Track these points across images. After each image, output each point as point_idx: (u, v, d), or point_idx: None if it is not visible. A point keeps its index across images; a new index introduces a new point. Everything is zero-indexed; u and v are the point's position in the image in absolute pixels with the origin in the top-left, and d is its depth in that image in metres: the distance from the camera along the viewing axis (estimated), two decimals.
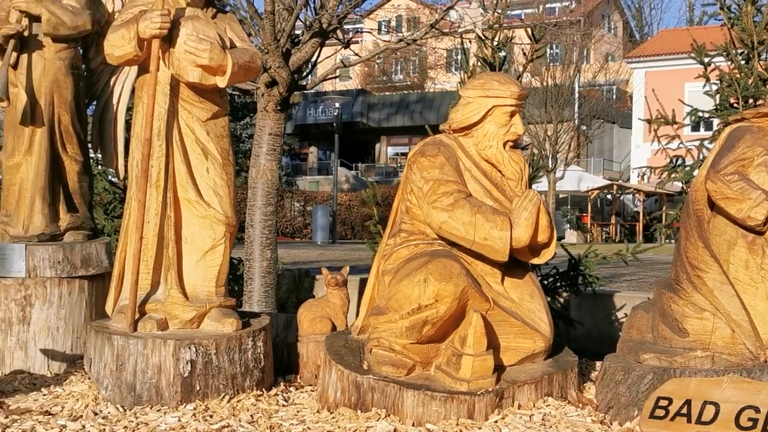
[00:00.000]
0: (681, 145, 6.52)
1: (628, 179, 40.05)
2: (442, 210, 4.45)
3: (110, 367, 4.75)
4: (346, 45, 7.64)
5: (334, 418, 4.43)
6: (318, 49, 7.30)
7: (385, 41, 8.05)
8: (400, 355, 4.43)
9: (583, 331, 6.78)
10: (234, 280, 7.80)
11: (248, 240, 7.28)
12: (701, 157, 6.19)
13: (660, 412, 4.05)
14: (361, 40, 36.67)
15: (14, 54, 5.63)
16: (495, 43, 6.37)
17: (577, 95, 36.49)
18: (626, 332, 4.89)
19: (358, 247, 22.17)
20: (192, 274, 5.02)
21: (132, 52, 4.79)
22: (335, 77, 8.06)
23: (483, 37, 6.37)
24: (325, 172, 47.43)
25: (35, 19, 5.64)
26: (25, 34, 5.66)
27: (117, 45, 4.82)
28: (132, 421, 4.40)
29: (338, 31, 7.39)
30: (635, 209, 38.26)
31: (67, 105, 5.83)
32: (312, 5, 7.28)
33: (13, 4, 5.64)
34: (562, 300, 7.07)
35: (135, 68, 5.35)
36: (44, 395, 4.93)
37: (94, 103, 6.22)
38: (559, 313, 6.65)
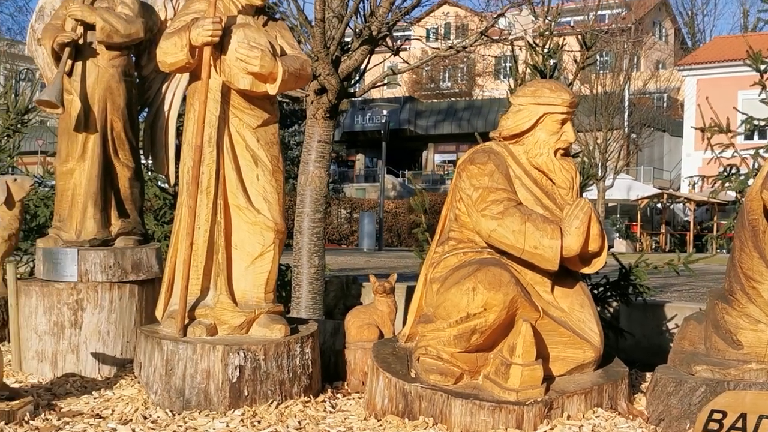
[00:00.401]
0: (735, 154, 6.42)
1: (679, 188, 39.56)
2: (492, 218, 4.42)
3: (160, 372, 4.79)
4: (396, 52, 7.64)
5: (381, 425, 4.42)
6: (367, 57, 7.32)
7: (434, 48, 8.03)
8: (448, 364, 4.40)
9: (633, 342, 6.69)
10: (282, 286, 7.83)
11: (296, 246, 7.30)
12: (756, 167, 6.09)
13: (714, 426, 3.97)
14: (409, 48, 36.71)
15: (69, 62, 5.73)
16: (545, 51, 6.33)
17: (627, 103, 36.11)
18: (678, 343, 4.81)
19: (405, 254, 22.15)
20: (241, 280, 5.04)
21: (184, 59, 4.83)
22: (384, 85, 8.05)
23: (533, 45, 6.33)
24: (371, 179, 47.47)
25: (90, 27, 5.73)
26: (80, 42, 5.75)
27: (169, 52, 4.86)
28: (181, 426, 4.43)
29: (387, 39, 7.39)
30: (686, 218, 37.75)
31: (120, 111, 5.90)
32: (362, 13, 7.30)
33: (68, 12, 5.74)
34: (612, 310, 6.99)
35: (186, 75, 5.39)
36: (95, 398, 4.99)
37: (146, 109, 6.30)
38: (609, 322, 6.57)
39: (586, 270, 4.69)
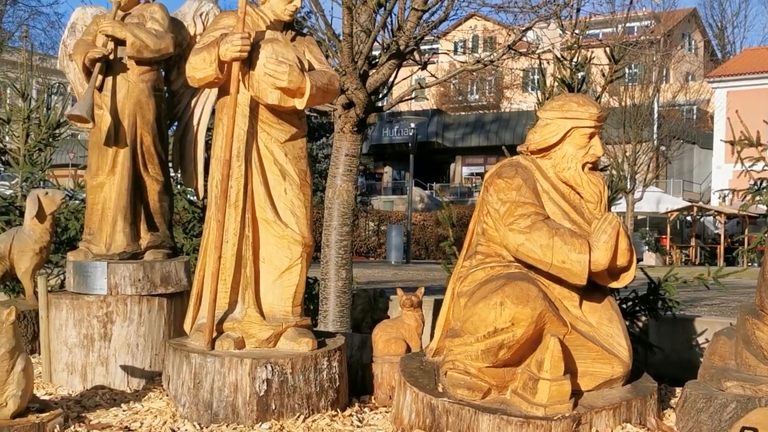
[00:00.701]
0: (766, 167, 6.36)
1: (709, 201, 39.28)
2: (519, 232, 4.41)
3: (188, 385, 4.81)
4: (423, 66, 7.65)
5: None
6: (395, 71, 7.34)
7: (462, 62, 8.04)
8: (475, 379, 4.39)
9: (662, 357, 6.64)
10: (309, 299, 7.85)
11: (324, 260, 7.32)
12: None
13: None
14: (437, 61, 36.73)
15: (100, 77, 5.79)
16: (573, 64, 6.31)
17: (656, 115, 35.92)
18: (708, 359, 4.77)
19: (433, 267, 22.11)
20: (269, 294, 5.06)
21: (213, 74, 4.87)
22: (412, 98, 8.07)
23: (561, 58, 6.32)
24: (399, 191, 47.54)
25: (120, 42, 5.78)
26: (111, 57, 5.81)
27: (198, 67, 4.90)
28: None
29: (415, 53, 7.41)
30: (716, 232, 37.43)
31: (150, 126, 5.96)
32: (389, 27, 7.32)
33: (99, 28, 5.80)
34: (640, 324, 6.93)
35: (215, 90, 5.43)
36: (124, 411, 5.02)
37: (175, 124, 6.35)
38: (638, 337, 6.52)
39: (614, 284, 4.66)
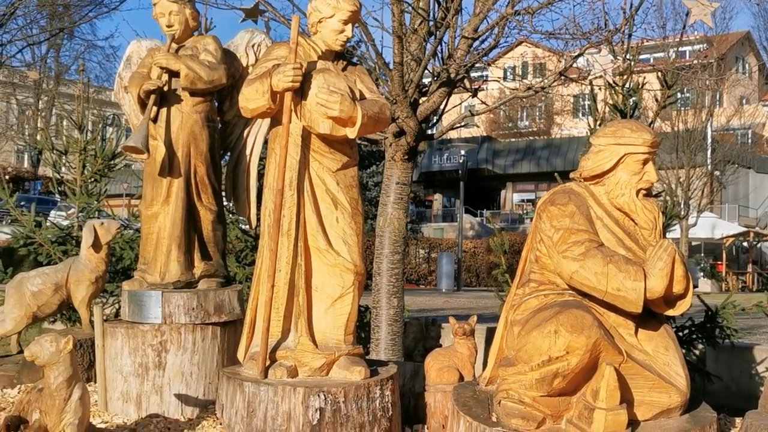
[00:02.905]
0: None
1: (766, 226, 38.56)
2: (573, 260, 4.36)
3: (241, 414, 4.82)
4: (474, 94, 7.65)
5: None
6: (445, 99, 7.34)
7: (512, 89, 8.02)
8: (530, 408, 4.33)
9: (720, 386, 6.51)
10: (361, 327, 7.84)
11: (375, 288, 7.32)
12: None
13: None
14: (486, 88, 36.70)
15: (154, 108, 5.87)
16: (625, 89, 6.27)
17: (709, 140, 35.48)
18: None
19: (484, 294, 22.00)
20: (321, 322, 5.07)
21: (265, 104, 4.91)
22: (463, 125, 8.07)
23: (613, 84, 6.28)
24: (449, 218, 47.43)
25: (174, 74, 5.87)
26: (165, 89, 5.90)
27: (251, 98, 4.95)
28: None
29: (465, 80, 7.41)
30: None
31: (203, 156, 6.02)
32: (440, 55, 7.34)
33: (154, 61, 5.90)
34: (697, 352, 6.82)
35: (267, 120, 5.48)
36: None
37: (228, 154, 6.41)
38: (695, 366, 6.41)
39: (670, 312, 4.59)
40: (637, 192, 4.60)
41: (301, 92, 4.92)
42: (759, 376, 6.70)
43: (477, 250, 34.32)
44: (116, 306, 8.50)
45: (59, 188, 9.55)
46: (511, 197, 50.60)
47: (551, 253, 4.50)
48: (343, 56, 5.33)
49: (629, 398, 4.35)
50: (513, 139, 52.84)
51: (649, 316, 4.54)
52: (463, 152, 32.38)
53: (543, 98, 49.42)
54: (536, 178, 46.24)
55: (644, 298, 4.26)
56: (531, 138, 52.41)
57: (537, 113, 55.08)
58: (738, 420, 5.14)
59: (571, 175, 4.77)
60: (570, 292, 4.54)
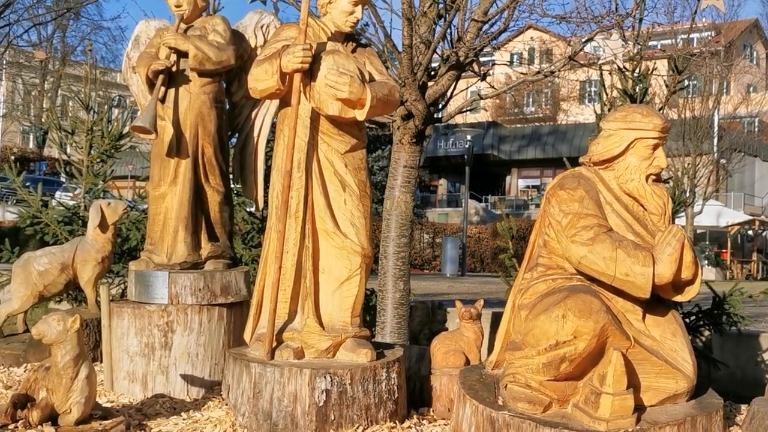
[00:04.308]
0: None
1: None
2: (582, 244, 4.35)
3: (247, 395, 4.83)
4: (483, 77, 7.62)
5: None
6: (454, 82, 7.32)
7: (521, 73, 7.99)
8: (536, 392, 4.33)
9: (727, 373, 6.50)
10: (366, 311, 7.84)
11: (382, 271, 7.31)
12: None
13: None
14: (493, 73, 36.57)
15: (162, 89, 5.86)
16: (635, 75, 6.24)
17: (716, 128, 35.37)
18: None
19: (488, 279, 22.00)
20: (328, 304, 5.07)
21: (274, 85, 4.90)
22: (470, 110, 8.04)
23: (623, 69, 6.25)
24: (454, 204, 47.41)
25: (183, 55, 5.85)
26: (173, 69, 5.88)
27: (260, 79, 4.94)
28: None
29: (474, 64, 7.38)
30: None
31: (211, 137, 6.01)
32: (449, 38, 7.31)
33: (162, 40, 5.88)
34: (704, 339, 6.81)
35: (275, 102, 5.47)
36: (184, 419, 5.06)
37: (236, 135, 6.40)
38: (702, 352, 6.40)
39: (678, 298, 4.57)
40: (647, 177, 4.59)
41: (310, 73, 4.91)
42: (765, 364, 6.69)
43: (481, 236, 34.31)
44: (122, 286, 8.51)
45: (66, 169, 9.55)
46: (517, 183, 50.55)
47: (560, 237, 4.49)
48: (353, 38, 5.31)
49: (636, 383, 4.34)
50: (519, 125, 52.72)
51: (657, 302, 4.54)
52: (468, 137, 32.31)
53: (549, 84, 49.30)
54: (542, 164, 46.19)
55: (652, 284, 4.25)
56: (537, 124, 52.31)
57: (543, 99, 54.94)
58: (744, 407, 5.14)
59: (581, 159, 4.75)
60: (578, 276, 4.53)
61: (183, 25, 6.03)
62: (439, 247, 31.24)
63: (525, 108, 55.65)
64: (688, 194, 31.59)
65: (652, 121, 4.52)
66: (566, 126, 48.04)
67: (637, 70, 6.29)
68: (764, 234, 37.88)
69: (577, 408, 4.32)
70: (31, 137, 52.58)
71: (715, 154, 35.41)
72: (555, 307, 4.20)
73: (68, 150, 9.68)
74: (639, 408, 4.33)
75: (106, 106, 10.17)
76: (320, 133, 5.03)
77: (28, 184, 9.38)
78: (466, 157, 32.12)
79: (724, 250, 36.01)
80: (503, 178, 50.87)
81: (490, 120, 51.46)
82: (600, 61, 6.51)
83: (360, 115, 4.89)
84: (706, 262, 33.77)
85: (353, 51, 5.18)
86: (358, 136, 5.15)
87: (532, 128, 50.13)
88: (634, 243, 4.36)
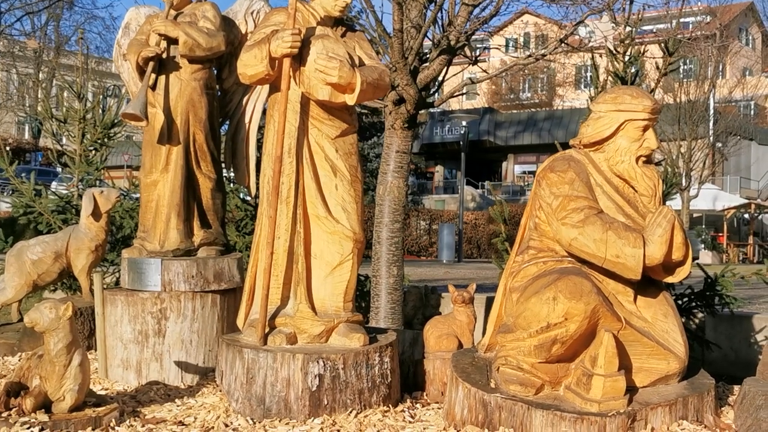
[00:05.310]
0: None
1: (767, 198, 38.51)
2: (572, 226, 4.35)
3: (241, 380, 4.84)
4: (474, 62, 7.61)
5: None
6: (445, 67, 7.30)
7: (513, 57, 7.98)
8: (528, 374, 4.35)
9: (719, 354, 6.53)
10: (361, 296, 7.85)
11: (375, 256, 7.32)
12: None
13: None
14: (488, 59, 36.56)
15: (153, 75, 5.84)
16: (627, 58, 6.23)
17: (712, 111, 35.36)
18: (767, 355, 4.67)
19: (485, 266, 22.02)
20: (320, 289, 5.07)
21: (264, 71, 4.89)
22: (462, 94, 8.02)
23: (614, 52, 6.24)
24: (450, 190, 47.40)
25: (173, 41, 5.84)
26: (164, 56, 5.87)
27: (249, 64, 4.93)
28: None
29: (466, 48, 7.37)
30: None
31: (202, 124, 6.00)
32: (440, 23, 7.29)
33: (152, 27, 5.87)
34: (697, 321, 6.82)
35: (266, 88, 5.46)
36: (178, 406, 5.06)
37: (227, 122, 6.39)
38: (695, 334, 6.42)
39: (669, 279, 4.59)
40: (637, 159, 4.59)
41: (299, 58, 4.90)
42: (758, 345, 6.71)
43: (478, 222, 34.31)
44: (116, 275, 8.51)
45: (59, 159, 9.54)
46: (513, 169, 50.53)
47: (550, 220, 4.50)
48: (342, 22, 5.30)
49: (627, 365, 4.36)
50: (515, 111, 52.70)
51: (648, 283, 4.55)
52: (464, 123, 32.27)
53: (545, 70, 49.23)
54: (538, 149, 46.12)
55: (643, 265, 4.26)
56: (533, 110, 52.27)
57: (539, 85, 54.90)
58: (736, 388, 5.15)
59: (571, 141, 4.76)
60: (569, 259, 4.54)
61: (173, 12, 6.02)
62: (436, 233, 31.24)
63: (521, 94, 55.64)
64: (684, 178, 31.61)
65: (642, 103, 4.52)
66: (562, 111, 47.99)
67: (628, 53, 6.27)
68: (760, 217, 37.90)
69: (569, 390, 4.34)
70: (27, 128, 52.48)
71: (711, 138, 35.40)
72: (546, 290, 4.22)
73: (63, 140, 9.67)
74: (631, 389, 4.35)
75: (99, 96, 10.14)
76: (310, 118, 5.02)
77: (22, 174, 9.36)
78: (461, 143, 32.08)
79: (720, 234, 36.06)
80: (499, 164, 50.83)
81: (486, 106, 51.41)
82: (591, 44, 6.50)
83: (350, 99, 4.88)
84: (703, 245, 33.80)
85: (343, 35, 5.17)
86: (348, 121, 5.14)
87: (528, 114, 50.09)
88: (624, 225, 4.37)
